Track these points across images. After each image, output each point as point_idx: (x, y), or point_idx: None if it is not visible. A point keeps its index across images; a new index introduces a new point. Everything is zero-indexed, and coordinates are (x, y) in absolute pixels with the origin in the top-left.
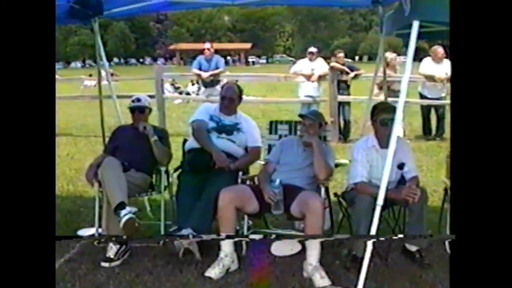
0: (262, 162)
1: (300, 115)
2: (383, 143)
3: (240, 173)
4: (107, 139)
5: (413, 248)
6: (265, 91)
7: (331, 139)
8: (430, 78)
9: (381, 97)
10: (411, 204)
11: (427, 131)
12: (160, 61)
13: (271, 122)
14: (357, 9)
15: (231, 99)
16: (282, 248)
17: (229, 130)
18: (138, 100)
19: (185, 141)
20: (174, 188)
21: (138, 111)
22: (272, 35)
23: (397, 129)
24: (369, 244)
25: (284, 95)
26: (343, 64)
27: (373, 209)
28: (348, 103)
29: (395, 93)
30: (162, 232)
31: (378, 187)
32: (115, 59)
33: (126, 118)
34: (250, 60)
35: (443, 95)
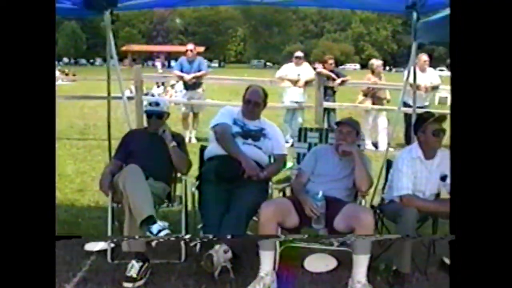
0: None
1: (337, 122)
2: (429, 154)
3: (270, 183)
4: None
5: None
6: (228, 95)
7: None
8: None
9: (367, 104)
10: None
11: (409, 139)
12: (111, 61)
13: (300, 129)
14: (390, 13)
15: (256, 103)
16: (316, 264)
17: (255, 135)
18: (157, 104)
19: (202, 148)
20: (190, 199)
21: (156, 116)
22: (225, 39)
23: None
24: None
25: None
26: (331, 71)
27: (418, 221)
28: (334, 110)
29: (381, 101)
30: (183, 247)
31: (424, 199)
32: (65, 59)
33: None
34: None
35: (426, 103)
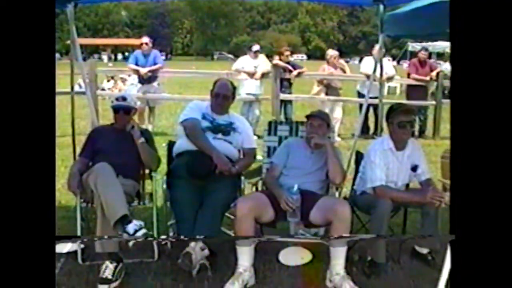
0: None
1: (308, 116)
2: (399, 145)
3: (242, 177)
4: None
5: (424, 251)
6: (178, 88)
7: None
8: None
9: (322, 94)
10: (428, 207)
11: (365, 129)
12: (56, 55)
13: (269, 123)
14: (357, 6)
15: (225, 96)
16: (291, 257)
17: (225, 130)
18: (124, 99)
19: (170, 143)
20: (159, 196)
21: (124, 111)
22: (171, 31)
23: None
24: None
25: (200, 93)
26: (287, 62)
27: (391, 211)
28: (290, 102)
29: (336, 90)
30: (156, 245)
31: (398, 190)
32: None
33: None
34: None
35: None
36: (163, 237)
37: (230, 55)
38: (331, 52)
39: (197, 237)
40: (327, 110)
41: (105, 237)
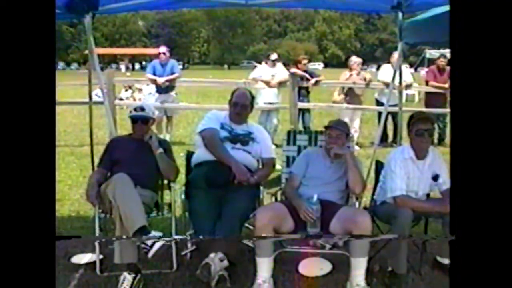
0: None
1: (327, 126)
2: (420, 154)
3: (261, 187)
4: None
5: (446, 261)
6: (196, 97)
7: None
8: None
9: (343, 102)
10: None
11: (384, 137)
12: (74, 65)
13: (288, 132)
14: (374, 13)
15: (244, 106)
16: (311, 267)
17: (243, 140)
18: (142, 109)
19: (188, 154)
20: (177, 206)
21: (141, 121)
22: (189, 40)
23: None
24: None
25: (218, 102)
26: (305, 71)
27: (412, 221)
28: (308, 110)
29: (358, 98)
30: (174, 255)
31: (418, 200)
32: None
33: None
34: None
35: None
36: (179, 237)
37: (257, 64)
38: (355, 59)
39: (216, 237)
40: (346, 119)
41: (121, 238)
